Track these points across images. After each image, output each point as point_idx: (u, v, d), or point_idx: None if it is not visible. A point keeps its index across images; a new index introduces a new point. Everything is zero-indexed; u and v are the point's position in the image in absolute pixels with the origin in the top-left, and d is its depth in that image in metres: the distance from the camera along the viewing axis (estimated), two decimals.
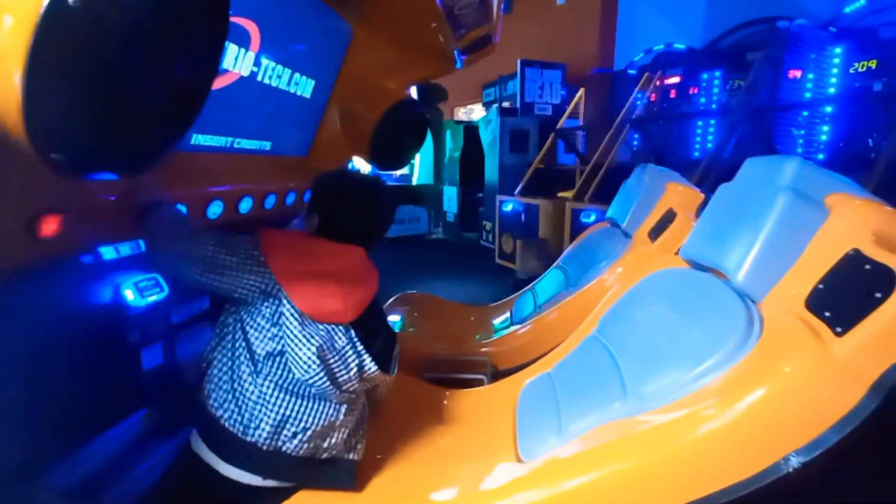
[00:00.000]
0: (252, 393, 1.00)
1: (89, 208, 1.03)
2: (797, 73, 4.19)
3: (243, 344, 1.02)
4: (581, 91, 5.87)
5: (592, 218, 3.99)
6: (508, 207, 5.14)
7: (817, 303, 0.84)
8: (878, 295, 0.75)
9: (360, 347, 1.04)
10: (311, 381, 1.00)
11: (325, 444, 1.06)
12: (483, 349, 1.85)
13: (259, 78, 1.37)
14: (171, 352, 1.46)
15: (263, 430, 1.00)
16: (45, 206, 0.85)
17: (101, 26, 0.56)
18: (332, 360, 1.01)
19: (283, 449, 1.02)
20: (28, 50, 0.52)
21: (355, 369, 1.04)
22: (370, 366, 1.06)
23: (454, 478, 1.10)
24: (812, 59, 4.14)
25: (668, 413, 0.88)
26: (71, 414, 1.15)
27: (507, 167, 5.88)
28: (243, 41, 1.25)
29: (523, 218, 4.89)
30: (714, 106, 4.75)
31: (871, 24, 4.10)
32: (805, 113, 4.14)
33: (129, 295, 1.32)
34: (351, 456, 1.10)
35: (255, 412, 1.00)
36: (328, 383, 1.01)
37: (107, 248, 1.31)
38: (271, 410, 1.00)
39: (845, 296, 0.80)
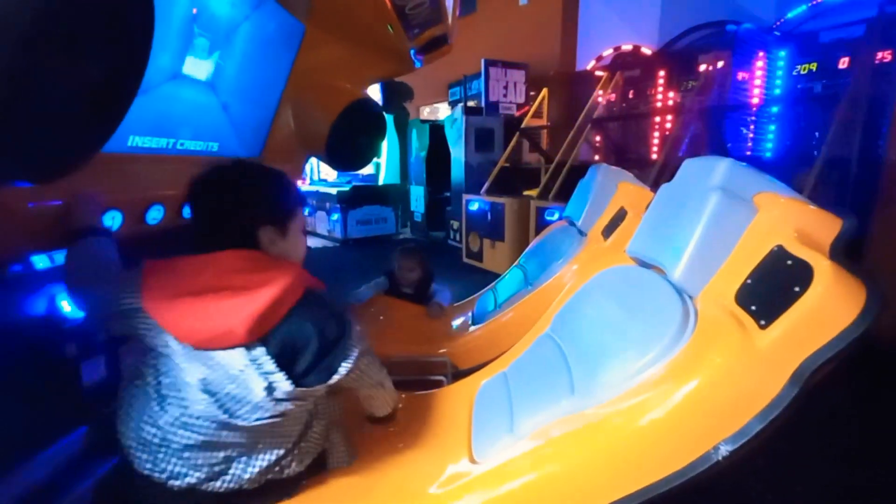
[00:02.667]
0: (156, 434, 0.90)
1: (12, 216, 0.97)
2: (745, 75, 4.40)
3: (151, 379, 0.91)
4: (544, 91, 5.96)
5: (556, 216, 4.07)
6: (474, 206, 5.17)
7: (745, 297, 0.88)
8: (797, 289, 0.79)
9: (270, 368, 0.87)
10: (205, 416, 0.88)
11: (247, 476, 0.94)
12: (442, 350, 1.85)
13: None
14: (116, 364, 1.40)
15: (172, 470, 0.90)
16: None
17: (1, 27, 0.52)
18: (224, 389, 0.87)
19: (203, 488, 0.91)
20: None
21: (262, 394, 0.87)
22: (283, 386, 0.88)
23: (407, 482, 1.09)
24: (759, 61, 4.35)
25: (609, 407, 0.91)
26: (1, 433, 1.08)
27: (473, 166, 5.92)
28: None
29: (489, 217, 4.93)
30: (670, 105, 4.93)
31: (813, 28, 4.33)
32: (753, 112, 4.35)
33: (66, 306, 1.26)
34: (285, 474, 0.99)
35: (160, 454, 0.90)
36: (224, 416, 0.88)
37: (39, 257, 1.24)
38: (176, 451, 0.89)
39: (769, 290, 0.85)
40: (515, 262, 2.33)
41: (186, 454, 0.90)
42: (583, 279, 1.42)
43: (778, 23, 4.50)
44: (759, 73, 4.32)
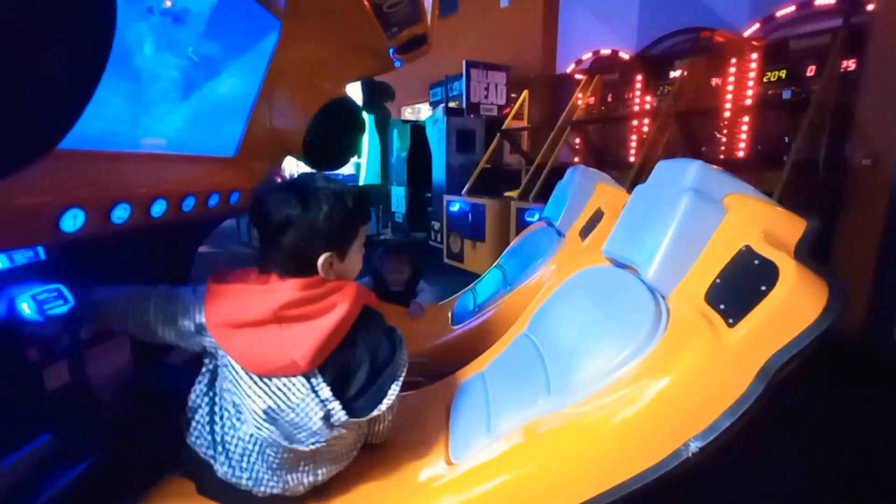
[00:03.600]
0: (237, 445, 0.97)
1: None
2: (718, 81, 4.52)
3: (227, 392, 0.97)
4: (525, 92, 6.01)
5: (536, 217, 4.10)
6: (455, 207, 5.18)
7: (714, 296, 0.90)
8: (763, 288, 0.81)
9: (327, 395, 0.91)
10: (266, 439, 0.93)
11: (293, 482, 1.00)
12: (421, 351, 1.84)
13: None
14: (80, 370, 1.35)
15: (255, 477, 0.98)
16: None
17: None
18: (286, 417, 0.91)
19: (279, 493, 0.99)
20: None
21: (320, 422, 0.91)
22: (339, 415, 0.92)
23: (385, 484, 1.08)
24: (731, 67, 4.47)
25: (584, 406, 0.92)
26: None
27: (455, 167, 5.93)
28: None
29: (470, 217, 4.94)
30: (647, 109, 5.03)
31: (782, 36, 4.47)
32: (727, 117, 4.47)
33: (26, 308, 1.20)
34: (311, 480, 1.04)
35: (243, 463, 0.97)
36: (286, 442, 0.93)
37: None
38: (252, 463, 0.97)
39: (737, 289, 0.87)
40: (495, 263, 2.34)
41: (258, 466, 0.96)
42: (560, 279, 1.43)
43: (750, 30, 4.63)
44: (731, 78, 4.44)
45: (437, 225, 6.07)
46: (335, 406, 0.91)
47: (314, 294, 0.90)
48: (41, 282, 1.23)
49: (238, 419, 0.95)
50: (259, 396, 0.89)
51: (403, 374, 0.99)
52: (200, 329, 0.95)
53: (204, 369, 1.03)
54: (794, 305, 0.79)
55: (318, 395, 0.90)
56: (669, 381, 0.83)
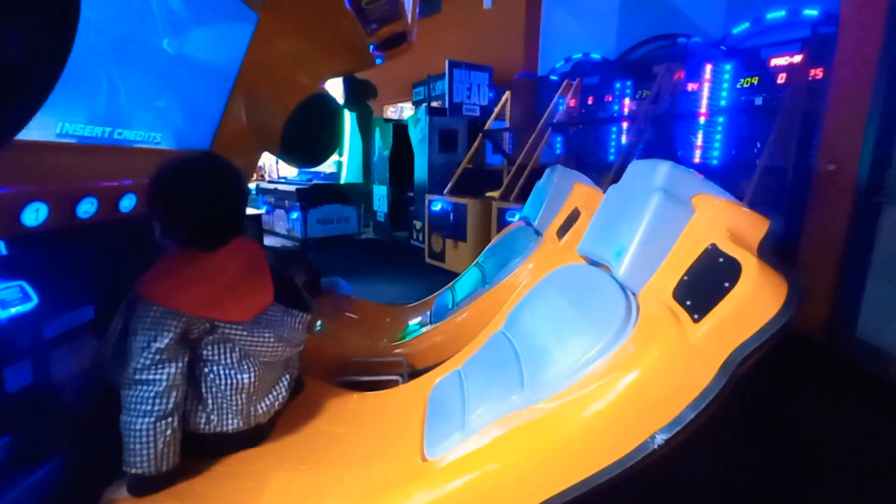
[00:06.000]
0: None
1: None
2: (694, 86, 4.63)
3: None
4: (507, 94, 6.05)
5: (517, 217, 4.13)
6: (437, 207, 5.17)
7: (682, 293, 0.92)
8: (727, 284, 0.84)
9: None
10: None
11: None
12: (398, 350, 1.84)
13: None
14: (44, 370, 1.30)
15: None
16: None
17: None
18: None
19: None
20: None
21: None
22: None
23: (357, 482, 1.07)
24: (706, 74, 4.59)
25: (555, 401, 0.93)
26: None
27: (437, 167, 5.93)
28: None
29: (452, 217, 4.95)
30: (626, 113, 5.12)
31: (755, 44, 4.61)
32: (702, 122, 4.58)
33: None
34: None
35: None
36: None
37: None
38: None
39: (703, 286, 0.89)
40: (474, 262, 2.35)
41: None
42: (537, 278, 1.45)
43: (725, 38, 4.76)
44: (706, 84, 4.56)
45: (418, 224, 6.06)
46: None
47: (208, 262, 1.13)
48: (2, 278, 1.18)
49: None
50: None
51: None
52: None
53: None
54: (756, 301, 0.82)
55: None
56: (637, 376, 0.85)
